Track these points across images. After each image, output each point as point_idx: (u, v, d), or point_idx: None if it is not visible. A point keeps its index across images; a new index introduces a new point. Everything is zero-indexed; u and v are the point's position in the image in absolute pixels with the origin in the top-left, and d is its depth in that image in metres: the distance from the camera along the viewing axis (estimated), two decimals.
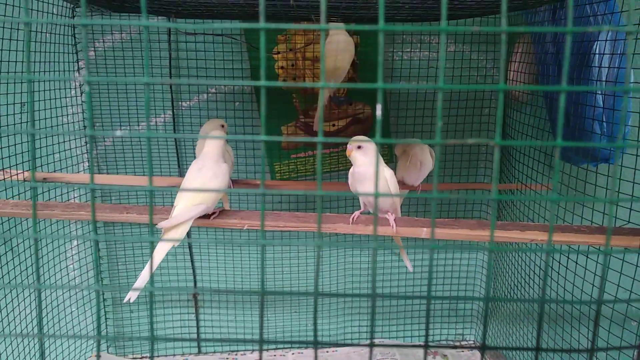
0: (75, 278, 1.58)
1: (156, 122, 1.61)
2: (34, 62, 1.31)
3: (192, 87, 1.60)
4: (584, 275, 1.17)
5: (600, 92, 1.11)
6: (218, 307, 1.77)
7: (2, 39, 1.17)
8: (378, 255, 1.76)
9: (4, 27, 1.17)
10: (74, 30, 1.48)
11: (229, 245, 1.71)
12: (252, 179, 1.53)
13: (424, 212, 1.73)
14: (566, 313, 1.27)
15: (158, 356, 1.74)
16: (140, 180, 1.40)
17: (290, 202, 1.71)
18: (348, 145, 1.07)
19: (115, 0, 1.17)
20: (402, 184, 1.37)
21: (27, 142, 1.32)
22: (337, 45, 1.35)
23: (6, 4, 1.18)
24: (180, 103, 1.61)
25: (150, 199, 0.36)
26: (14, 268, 1.31)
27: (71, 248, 1.56)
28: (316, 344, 0.37)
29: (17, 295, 1.32)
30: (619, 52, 1.07)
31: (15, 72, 1.23)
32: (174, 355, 1.75)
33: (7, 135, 1.23)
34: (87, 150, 1.59)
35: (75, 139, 1.52)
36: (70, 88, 1.51)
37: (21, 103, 1.29)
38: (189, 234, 1.70)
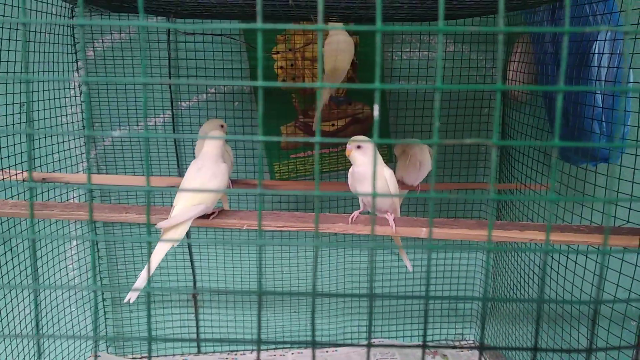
0: (74, 278, 1.58)
1: (155, 122, 1.61)
2: (34, 62, 1.31)
3: (192, 87, 1.60)
4: (583, 274, 1.17)
5: (599, 92, 1.11)
6: (218, 307, 1.77)
7: (1, 39, 1.17)
8: (378, 255, 1.76)
9: (2, 27, 1.17)
10: (73, 30, 1.48)
11: (228, 246, 1.71)
12: (252, 179, 1.53)
13: (423, 212, 1.73)
14: (566, 313, 1.27)
15: (157, 356, 1.74)
16: (139, 181, 1.40)
17: (290, 202, 1.71)
18: (347, 145, 1.07)
19: (115, 1, 1.17)
20: (401, 183, 1.37)
21: (26, 142, 1.32)
22: (338, 45, 1.35)
23: (5, 4, 1.18)
24: (179, 103, 1.61)
25: (148, 199, 0.36)
26: (13, 268, 1.31)
27: (70, 248, 1.56)
28: (314, 344, 0.37)
29: (17, 296, 1.32)
30: (618, 52, 1.07)
31: (14, 72, 1.23)
32: (174, 355, 1.75)
33: (7, 136, 1.23)
34: (90, 149, 1.59)
35: (74, 139, 1.52)
36: (70, 88, 1.51)
37: (20, 103, 1.29)
38: (188, 234, 1.70)
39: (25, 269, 1.36)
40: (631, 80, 1.07)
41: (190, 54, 1.56)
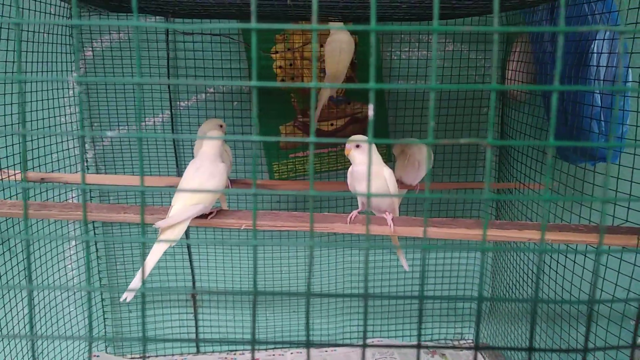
0: (73, 278, 1.58)
1: (154, 122, 1.61)
2: (32, 62, 1.31)
3: (191, 87, 1.60)
4: (582, 274, 1.17)
5: (598, 91, 1.10)
6: (217, 306, 1.77)
7: None
8: (378, 255, 1.76)
9: (0, 27, 1.17)
10: (71, 30, 1.48)
11: (226, 246, 1.71)
12: (251, 179, 1.53)
13: (422, 212, 1.73)
14: (564, 312, 1.27)
15: (157, 356, 1.74)
16: (136, 180, 1.40)
17: (289, 201, 1.71)
18: (346, 145, 1.07)
19: (113, 0, 1.17)
20: (400, 183, 1.36)
21: (23, 142, 1.32)
22: (341, 44, 1.34)
23: (3, 4, 1.17)
24: (178, 103, 1.61)
25: (142, 199, 0.35)
26: (11, 268, 1.31)
27: (69, 248, 1.56)
28: (309, 345, 0.37)
29: (15, 296, 1.32)
30: (617, 51, 1.07)
31: (11, 72, 1.23)
32: (173, 355, 1.75)
33: (5, 136, 1.23)
34: (85, 150, 1.59)
35: (73, 139, 1.52)
36: (68, 88, 1.51)
37: (18, 103, 1.28)
38: (187, 234, 1.70)
39: (24, 269, 1.36)
40: (630, 80, 1.07)
41: (189, 54, 1.55)
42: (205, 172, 1.00)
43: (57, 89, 1.45)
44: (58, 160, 1.45)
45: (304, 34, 1.57)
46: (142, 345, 0.35)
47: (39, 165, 1.38)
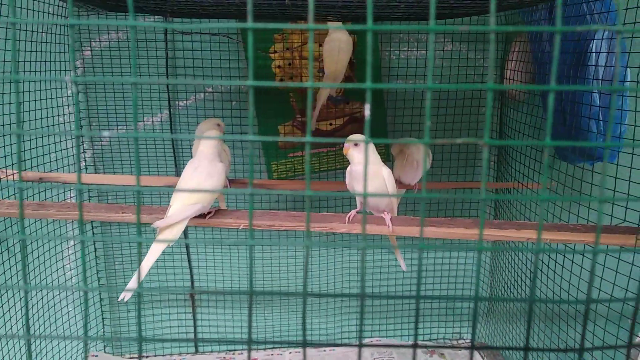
0: (72, 278, 1.58)
1: (153, 121, 1.61)
2: (31, 62, 1.30)
3: (189, 86, 1.60)
4: (580, 273, 1.17)
5: (597, 91, 1.10)
6: (215, 306, 1.77)
7: None
8: (376, 255, 1.76)
9: None
10: (69, 30, 1.48)
11: (223, 245, 1.71)
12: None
13: (420, 211, 1.73)
14: (562, 312, 1.27)
15: (155, 355, 1.74)
16: (133, 180, 1.39)
17: (288, 201, 1.71)
18: (345, 143, 1.06)
19: (111, 0, 1.17)
20: (399, 183, 1.36)
21: (22, 142, 1.32)
22: (339, 44, 1.34)
23: (1, 4, 1.17)
24: (177, 102, 1.61)
25: (138, 198, 0.35)
26: (9, 268, 1.31)
27: (67, 248, 1.56)
28: (305, 344, 0.37)
29: (14, 296, 1.32)
30: (615, 51, 1.07)
31: (9, 72, 1.22)
32: (171, 354, 1.75)
33: (3, 135, 1.23)
34: (83, 150, 1.59)
35: (71, 139, 1.52)
36: (66, 88, 1.50)
37: (17, 103, 1.28)
38: (186, 234, 1.70)
39: (22, 268, 1.35)
40: (628, 79, 1.07)
41: (187, 54, 1.55)
42: (204, 171, 1.00)
43: (56, 88, 1.45)
44: (57, 160, 1.44)
45: (302, 34, 1.57)
46: (138, 345, 0.35)
47: (38, 165, 1.38)
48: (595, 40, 1.10)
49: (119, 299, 0.90)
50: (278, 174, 1.68)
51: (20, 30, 1.25)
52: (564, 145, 0.38)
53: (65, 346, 1.53)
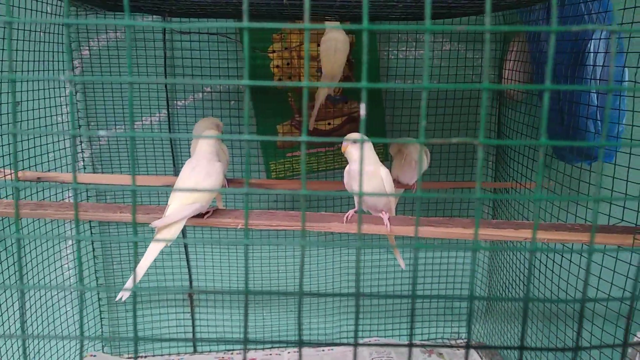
0: (70, 277, 1.58)
1: (151, 121, 1.61)
2: (29, 61, 1.30)
3: (188, 86, 1.60)
4: (578, 273, 1.17)
5: (594, 91, 1.11)
6: (214, 306, 1.77)
7: None
8: (375, 254, 1.77)
9: None
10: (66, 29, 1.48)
11: (221, 245, 1.71)
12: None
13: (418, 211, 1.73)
14: (560, 311, 1.28)
15: (154, 355, 1.74)
16: (131, 180, 1.39)
17: (286, 200, 1.71)
18: (343, 142, 1.06)
19: (110, 0, 1.17)
20: (397, 182, 1.37)
21: (19, 141, 1.32)
22: (336, 44, 1.34)
23: (0, 4, 1.17)
24: (175, 102, 1.61)
25: (133, 198, 0.35)
26: (7, 268, 1.31)
27: (66, 248, 1.56)
28: (301, 344, 0.37)
29: (12, 295, 1.32)
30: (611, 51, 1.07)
31: (7, 72, 1.22)
32: (170, 354, 1.75)
33: (1, 135, 1.23)
34: (81, 149, 1.59)
35: (69, 139, 1.51)
36: (65, 87, 1.50)
37: (13, 103, 1.28)
38: (185, 234, 1.70)
39: (20, 268, 1.35)
40: (626, 79, 1.07)
41: (186, 53, 1.55)
42: (202, 171, 1.00)
43: (55, 88, 1.45)
44: (54, 160, 1.44)
45: (301, 34, 1.57)
46: (134, 344, 0.35)
47: (36, 165, 1.38)
48: (593, 40, 1.10)
49: (117, 299, 0.90)
50: (277, 173, 1.68)
51: (18, 29, 1.25)
52: (561, 145, 0.38)
53: (64, 346, 1.53)
